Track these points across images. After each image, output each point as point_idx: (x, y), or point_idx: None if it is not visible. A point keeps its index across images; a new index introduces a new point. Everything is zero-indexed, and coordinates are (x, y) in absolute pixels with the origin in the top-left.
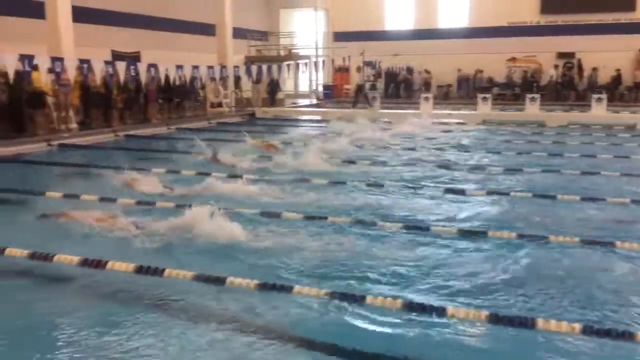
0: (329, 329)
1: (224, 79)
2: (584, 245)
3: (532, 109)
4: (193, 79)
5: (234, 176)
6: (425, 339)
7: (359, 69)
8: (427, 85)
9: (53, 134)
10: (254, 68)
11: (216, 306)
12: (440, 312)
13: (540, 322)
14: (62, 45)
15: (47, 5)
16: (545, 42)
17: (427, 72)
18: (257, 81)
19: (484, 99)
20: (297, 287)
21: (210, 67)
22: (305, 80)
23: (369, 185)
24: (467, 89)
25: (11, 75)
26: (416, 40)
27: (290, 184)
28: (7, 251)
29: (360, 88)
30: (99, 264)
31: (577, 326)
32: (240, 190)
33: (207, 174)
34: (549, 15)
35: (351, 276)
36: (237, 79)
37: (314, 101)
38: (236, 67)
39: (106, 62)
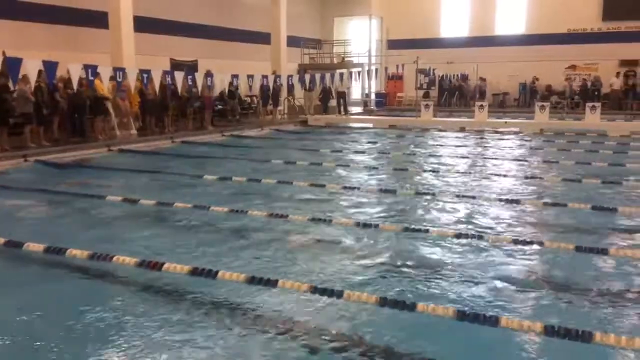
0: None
1: (277, 87)
2: None
3: (593, 118)
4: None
5: None
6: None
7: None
8: (482, 93)
9: (113, 140)
10: (307, 76)
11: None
12: (493, 321)
13: (597, 336)
14: (123, 54)
15: (110, 16)
16: (606, 50)
17: (482, 79)
18: (310, 89)
19: (542, 107)
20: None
21: (264, 76)
22: (358, 88)
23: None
24: (523, 97)
25: (75, 84)
26: (472, 47)
27: None
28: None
29: (341, 95)
30: (155, 266)
31: (638, 340)
32: None
33: None
34: (611, 22)
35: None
36: (291, 87)
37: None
38: (290, 75)
39: (165, 72)
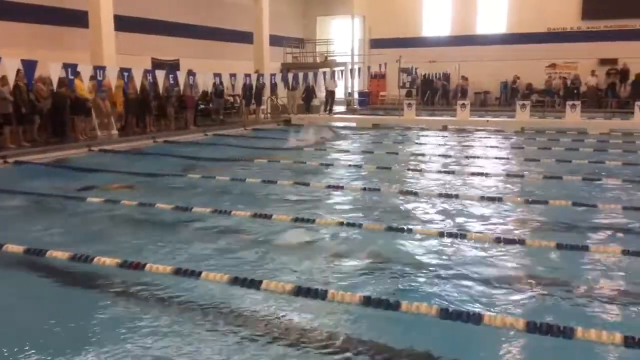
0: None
1: (260, 86)
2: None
3: (573, 116)
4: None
5: None
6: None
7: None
8: (463, 92)
9: (94, 140)
10: (290, 75)
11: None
12: (476, 319)
13: (579, 332)
14: (104, 53)
15: (90, 14)
16: (586, 49)
17: (464, 78)
18: (293, 88)
19: (523, 105)
20: (331, 292)
21: (247, 76)
22: (341, 87)
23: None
24: (505, 96)
25: (55, 83)
26: (453, 46)
27: None
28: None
29: (331, 94)
30: (138, 266)
31: (618, 336)
32: None
33: None
34: (590, 21)
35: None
36: (273, 86)
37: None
38: (273, 74)
39: (146, 71)
